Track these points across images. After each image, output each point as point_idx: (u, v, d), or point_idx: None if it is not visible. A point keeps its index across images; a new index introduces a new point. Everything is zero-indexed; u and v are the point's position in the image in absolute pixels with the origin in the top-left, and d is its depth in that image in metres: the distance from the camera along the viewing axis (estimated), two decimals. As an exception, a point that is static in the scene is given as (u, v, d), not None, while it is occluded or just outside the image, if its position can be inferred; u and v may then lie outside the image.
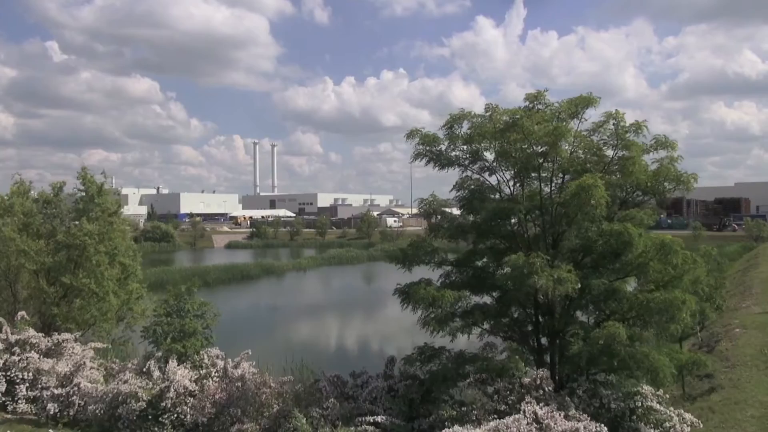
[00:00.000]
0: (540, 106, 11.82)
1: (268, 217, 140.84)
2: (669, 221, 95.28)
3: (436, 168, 12.97)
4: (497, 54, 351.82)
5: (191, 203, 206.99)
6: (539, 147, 11.43)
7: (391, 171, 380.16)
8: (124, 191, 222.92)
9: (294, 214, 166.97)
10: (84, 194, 18.99)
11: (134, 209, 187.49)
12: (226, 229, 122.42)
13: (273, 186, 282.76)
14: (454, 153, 12.99)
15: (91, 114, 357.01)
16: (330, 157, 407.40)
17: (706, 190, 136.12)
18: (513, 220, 12.46)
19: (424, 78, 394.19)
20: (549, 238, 12.09)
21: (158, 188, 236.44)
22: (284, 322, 36.74)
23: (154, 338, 14.12)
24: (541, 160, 11.57)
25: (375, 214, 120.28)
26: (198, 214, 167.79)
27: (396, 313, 39.24)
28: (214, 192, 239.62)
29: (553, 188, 12.17)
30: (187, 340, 13.81)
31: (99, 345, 16.24)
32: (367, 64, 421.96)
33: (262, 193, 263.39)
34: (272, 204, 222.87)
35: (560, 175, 12.21)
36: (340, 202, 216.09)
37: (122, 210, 20.27)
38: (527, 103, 11.88)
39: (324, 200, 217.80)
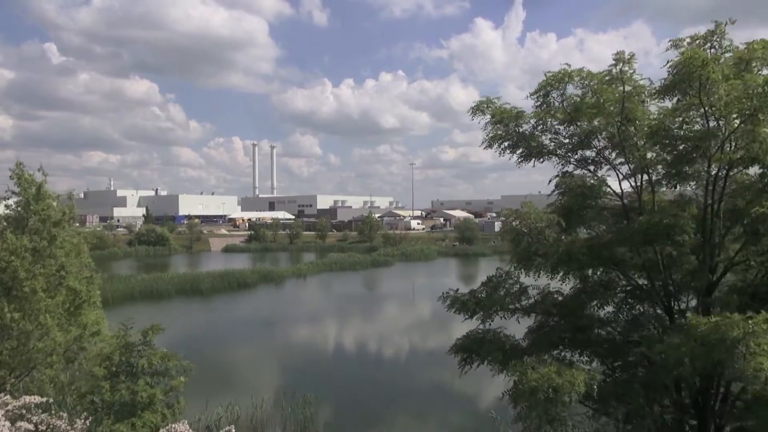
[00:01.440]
0: (713, 50, 7.02)
1: (265, 219, 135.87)
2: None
3: (519, 159, 8.27)
4: (496, 56, 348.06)
5: (190, 205, 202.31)
6: (719, 119, 6.66)
7: (390, 173, 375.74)
8: (122, 193, 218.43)
9: (293, 216, 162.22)
10: (21, 198, 14.15)
11: (132, 211, 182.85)
12: (224, 231, 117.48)
13: (272, 187, 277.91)
14: (546, 136, 8.26)
15: (90, 116, 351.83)
16: (329, 158, 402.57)
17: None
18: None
19: (422, 80, 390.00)
20: (706, 272, 7.34)
21: (156, 190, 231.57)
22: (282, 340, 32.01)
23: (92, 411, 9.36)
24: (718, 144, 6.77)
25: (376, 216, 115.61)
26: (196, 216, 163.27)
27: (405, 327, 34.29)
28: (213, 194, 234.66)
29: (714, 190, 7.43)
30: (138, 416, 9.09)
31: (35, 399, 11.53)
32: (366, 65, 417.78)
33: (261, 195, 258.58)
34: (271, 206, 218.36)
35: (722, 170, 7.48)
36: (339, 204, 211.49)
37: (73, 217, 15.29)
38: (691, 44, 7.05)
39: (323, 202, 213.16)
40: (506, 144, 8.09)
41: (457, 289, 8.52)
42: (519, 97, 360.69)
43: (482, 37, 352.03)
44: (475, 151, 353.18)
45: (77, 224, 15.94)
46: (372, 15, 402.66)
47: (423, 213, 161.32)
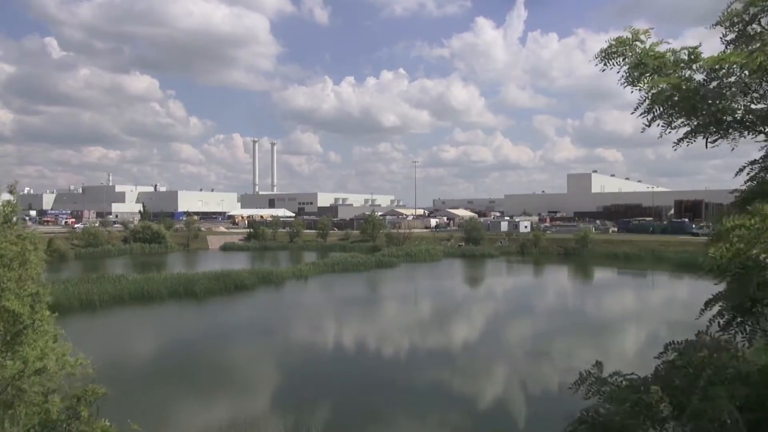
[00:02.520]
0: None
1: (265, 217, 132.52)
2: (693, 226, 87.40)
3: (689, 134, 4.77)
4: (497, 55, 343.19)
5: (189, 201, 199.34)
6: None
7: (390, 171, 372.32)
8: (121, 188, 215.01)
9: (293, 214, 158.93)
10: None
11: (131, 207, 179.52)
12: (222, 229, 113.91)
13: (272, 185, 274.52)
14: (726, 96, 4.81)
15: (90, 111, 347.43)
16: (329, 156, 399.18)
17: (718, 193, 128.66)
18: None
19: (423, 78, 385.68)
20: None
21: (156, 186, 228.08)
22: (281, 351, 28.50)
23: None
24: None
25: (378, 214, 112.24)
26: (196, 213, 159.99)
27: (424, 340, 30.76)
28: (212, 190, 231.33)
29: None
30: None
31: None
32: (367, 64, 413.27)
33: (261, 192, 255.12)
34: (271, 203, 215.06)
35: None
36: (340, 202, 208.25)
37: (15, 216, 11.91)
38: None
39: (324, 200, 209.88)
40: (678, 108, 4.68)
41: (596, 360, 4.99)
42: (519, 97, 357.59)
43: (483, 36, 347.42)
44: (475, 149, 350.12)
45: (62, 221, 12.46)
46: (373, 13, 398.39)
47: (426, 212, 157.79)
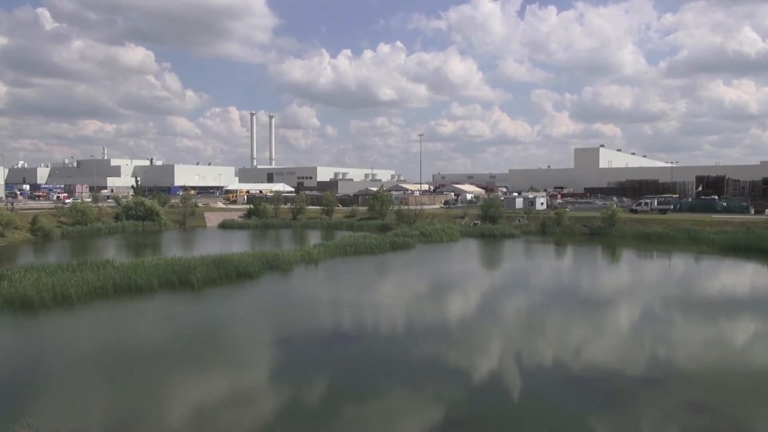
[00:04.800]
0: None
1: (264, 192, 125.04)
2: (724, 203, 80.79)
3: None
4: (495, 28, 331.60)
5: (186, 175, 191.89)
6: None
7: (387, 145, 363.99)
8: (116, 162, 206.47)
9: (293, 189, 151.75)
10: None
11: (126, 181, 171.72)
12: (220, 205, 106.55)
13: (270, 159, 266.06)
14: None
15: (85, 83, 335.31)
16: (326, 130, 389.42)
17: (730, 169, 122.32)
18: None
19: (420, 52, 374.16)
20: None
21: (152, 160, 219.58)
22: (296, 371, 21.58)
23: None
24: None
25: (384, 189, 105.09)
26: (193, 187, 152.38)
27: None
28: (209, 164, 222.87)
29: None
30: None
31: None
32: (364, 36, 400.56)
33: (259, 166, 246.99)
34: (270, 177, 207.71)
35: None
36: (340, 177, 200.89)
37: None
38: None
39: (324, 174, 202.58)
40: None
41: None
42: (517, 70, 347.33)
43: (481, 8, 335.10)
44: (473, 124, 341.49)
45: None
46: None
47: (431, 186, 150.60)
